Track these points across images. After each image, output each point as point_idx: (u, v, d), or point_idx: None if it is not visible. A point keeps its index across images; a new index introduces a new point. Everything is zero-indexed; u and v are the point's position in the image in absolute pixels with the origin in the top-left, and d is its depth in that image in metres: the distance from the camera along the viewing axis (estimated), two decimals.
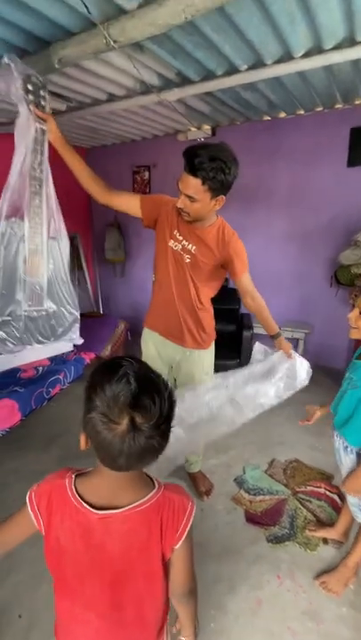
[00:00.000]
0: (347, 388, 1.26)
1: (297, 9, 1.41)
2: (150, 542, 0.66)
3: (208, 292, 1.58)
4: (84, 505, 0.64)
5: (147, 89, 2.16)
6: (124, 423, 0.56)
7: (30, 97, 1.35)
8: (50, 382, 2.16)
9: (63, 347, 2.34)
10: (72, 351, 2.37)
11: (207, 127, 3.17)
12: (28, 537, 0.73)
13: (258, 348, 1.60)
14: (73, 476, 0.69)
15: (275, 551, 1.55)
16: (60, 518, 0.66)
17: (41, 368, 2.22)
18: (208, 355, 1.69)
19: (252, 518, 1.69)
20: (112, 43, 1.37)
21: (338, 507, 1.73)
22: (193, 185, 1.27)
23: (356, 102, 2.57)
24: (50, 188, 1.52)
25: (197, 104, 2.55)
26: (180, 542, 0.68)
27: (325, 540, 1.58)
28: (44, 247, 1.54)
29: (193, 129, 3.25)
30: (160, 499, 0.67)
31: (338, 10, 1.42)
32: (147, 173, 3.89)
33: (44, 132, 1.43)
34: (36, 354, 2.31)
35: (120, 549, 0.65)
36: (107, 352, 2.59)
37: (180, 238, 1.48)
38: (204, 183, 1.27)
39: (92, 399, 0.58)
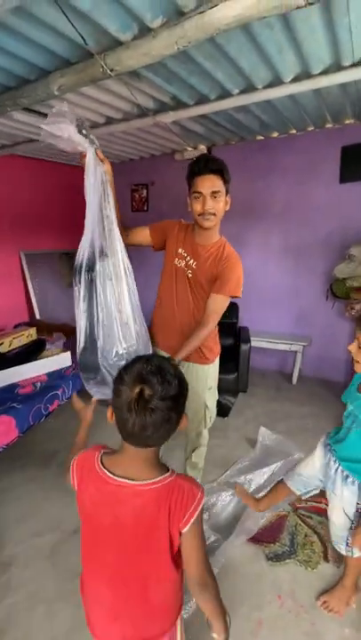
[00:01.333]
0: (351, 427, 1.22)
1: (284, 39, 1.49)
2: (159, 521, 0.72)
3: None
4: (106, 472, 0.76)
5: (143, 112, 2.24)
6: (135, 391, 0.69)
7: (88, 140, 1.33)
8: (48, 398, 2.16)
9: (61, 362, 2.35)
10: (70, 366, 2.38)
11: (203, 147, 3.27)
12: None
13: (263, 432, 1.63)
14: (102, 451, 0.83)
15: (275, 570, 1.52)
16: (86, 484, 0.79)
17: (39, 384, 2.22)
18: (212, 370, 1.69)
19: (252, 535, 1.66)
20: (109, 71, 1.44)
21: None
22: (216, 181, 1.41)
23: (346, 122, 2.66)
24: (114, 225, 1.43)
25: (192, 125, 2.64)
26: (188, 527, 0.73)
27: (326, 558, 1.55)
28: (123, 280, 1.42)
29: (189, 148, 3.35)
30: (172, 483, 0.75)
31: (324, 39, 1.50)
32: (145, 191, 3.98)
33: (102, 172, 1.39)
34: (35, 369, 2.32)
35: (131, 523, 0.73)
36: None
37: (185, 255, 1.54)
38: (222, 178, 1.42)
39: (120, 372, 0.74)
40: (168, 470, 0.78)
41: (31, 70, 1.67)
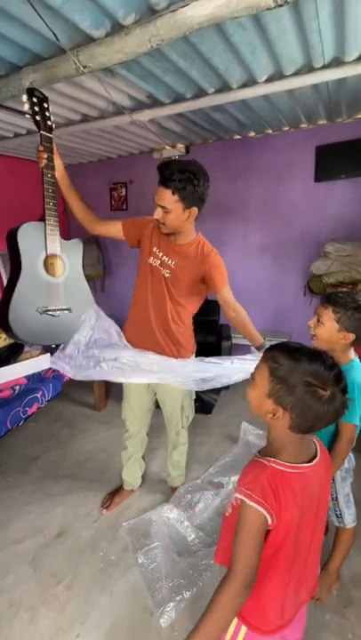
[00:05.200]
0: None
1: (257, 39, 1.51)
2: (328, 472, 0.86)
3: (188, 307, 1.60)
4: (301, 465, 0.78)
5: (119, 110, 2.23)
6: (329, 392, 0.71)
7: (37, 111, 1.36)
8: (27, 401, 2.11)
9: (41, 364, 2.30)
10: (50, 368, 2.34)
11: (181, 146, 3.27)
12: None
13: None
14: (271, 459, 0.78)
15: None
16: (290, 491, 0.74)
17: (18, 387, 2.17)
18: None
19: None
20: (82, 68, 1.42)
21: None
22: (165, 196, 1.36)
23: (320, 122, 2.73)
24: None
25: (170, 124, 2.64)
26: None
27: None
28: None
29: (167, 147, 3.34)
30: (319, 443, 0.86)
31: (295, 41, 1.53)
32: (123, 190, 3.95)
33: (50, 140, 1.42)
34: (14, 372, 2.26)
35: (318, 488, 0.81)
36: None
37: (160, 254, 1.52)
38: (174, 193, 1.35)
39: (297, 371, 0.73)
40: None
41: (1, 65, 1.63)
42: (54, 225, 1.42)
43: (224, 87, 1.97)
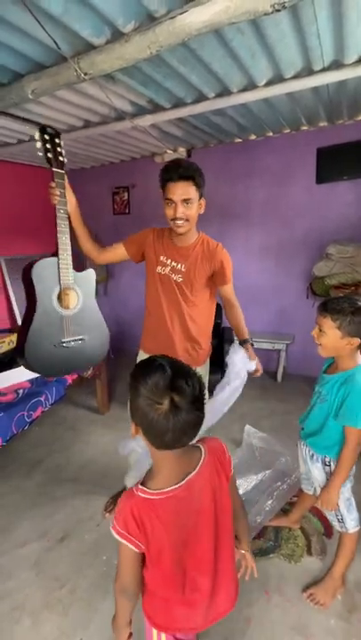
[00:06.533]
0: (316, 402, 1.30)
1: (256, 44, 1.52)
2: (221, 480, 0.84)
3: (204, 307, 1.61)
4: (168, 490, 0.76)
5: (120, 115, 2.25)
6: (166, 403, 0.68)
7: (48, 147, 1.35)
8: (31, 405, 2.13)
9: None
10: None
11: (182, 149, 3.29)
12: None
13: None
14: (139, 487, 0.78)
15: (262, 565, 1.53)
16: (156, 518, 0.75)
17: (21, 391, 2.19)
18: (203, 371, 1.71)
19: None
20: (83, 75, 1.44)
21: (323, 516, 1.73)
22: (189, 189, 1.39)
23: (320, 124, 2.74)
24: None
25: (171, 128, 2.66)
26: (232, 471, 0.89)
27: (309, 551, 1.58)
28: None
29: (169, 151, 3.37)
30: (208, 449, 0.84)
31: (294, 45, 1.54)
32: (126, 194, 3.97)
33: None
34: (17, 376, 2.28)
35: (209, 502, 0.81)
36: (89, 372, 2.57)
37: (168, 261, 1.52)
38: (195, 183, 1.39)
39: (138, 388, 0.70)
40: (194, 444, 0.86)
41: (4, 74, 1.66)
42: (67, 259, 1.43)
43: (224, 91, 1.98)
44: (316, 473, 1.32)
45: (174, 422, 0.68)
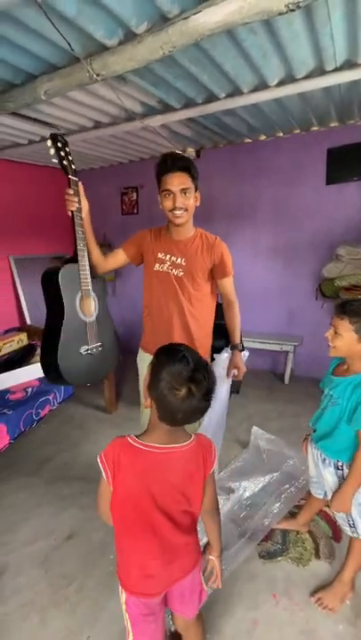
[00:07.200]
0: (327, 405, 1.28)
1: (268, 44, 1.52)
2: (199, 471, 0.91)
3: (205, 304, 1.60)
4: (152, 445, 0.85)
5: (131, 116, 2.26)
6: (184, 391, 0.78)
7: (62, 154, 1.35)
8: (39, 403, 2.14)
9: None
10: None
11: (191, 150, 3.29)
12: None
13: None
14: (131, 435, 0.89)
15: (269, 569, 1.53)
16: (131, 463, 0.85)
17: (30, 389, 2.21)
18: None
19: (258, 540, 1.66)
20: (95, 76, 1.45)
21: (331, 520, 1.72)
22: (184, 179, 1.41)
23: (331, 125, 2.72)
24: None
25: (180, 129, 2.66)
26: (212, 469, 0.94)
27: (318, 555, 1.57)
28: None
29: (178, 152, 3.37)
30: (198, 440, 0.92)
31: (306, 44, 1.53)
32: (134, 194, 3.99)
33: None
34: (26, 374, 2.30)
35: (180, 479, 0.88)
36: None
37: (167, 257, 1.52)
38: (190, 175, 1.41)
39: (161, 372, 0.80)
40: (188, 433, 0.92)
41: (17, 75, 1.67)
42: (86, 265, 1.44)
43: (235, 91, 1.98)
44: (329, 477, 1.31)
45: (186, 406, 0.79)
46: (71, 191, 1.36)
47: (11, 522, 1.80)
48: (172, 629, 1.28)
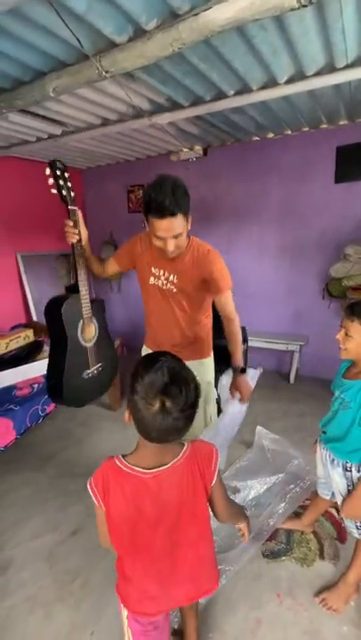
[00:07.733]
0: (338, 409, 1.26)
1: (279, 40, 1.50)
2: (195, 482, 0.84)
3: (204, 308, 1.57)
4: (137, 469, 0.80)
5: (138, 113, 2.25)
6: (157, 405, 0.71)
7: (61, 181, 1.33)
8: (45, 399, 2.16)
9: None
10: None
11: (199, 148, 3.28)
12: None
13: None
14: (120, 456, 0.84)
15: (273, 568, 1.52)
16: (119, 487, 0.80)
17: (36, 385, 2.22)
18: (209, 364, 1.69)
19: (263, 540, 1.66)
20: (104, 73, 1.44)
21: (336, 521, 1.71)
22: (177, 224, 1.27)
23: (340, 123, 2.69)
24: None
25: (188, 126, 2.65)
26: (215, 478, 0.87)
27: (322, 555, 1.56)
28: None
29: (185, 150, 3.36)
30: (191, 449, 0.85)
31: (317, 40, 1.51)
32: (141, 192, 3.98)
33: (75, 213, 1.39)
34: (32, 371, 2.32)
35: (176, 499, 0.82)
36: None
37: (160, 272, 1.48)
38: (183, 215, 1.28)
39: (135, 383, 0.74)
40: (184, 443, 0.86)
41: (26, 72, 1.68)
42: (86, 294, 1.46)
43: (244, 89, 1.96)
44: (337, 478, 1.30)
45: (160, 423, 0.71)
46: (71, 223, 1.34)
47: (16, 516, 1.81)
48: (175, 627, 1.29)
